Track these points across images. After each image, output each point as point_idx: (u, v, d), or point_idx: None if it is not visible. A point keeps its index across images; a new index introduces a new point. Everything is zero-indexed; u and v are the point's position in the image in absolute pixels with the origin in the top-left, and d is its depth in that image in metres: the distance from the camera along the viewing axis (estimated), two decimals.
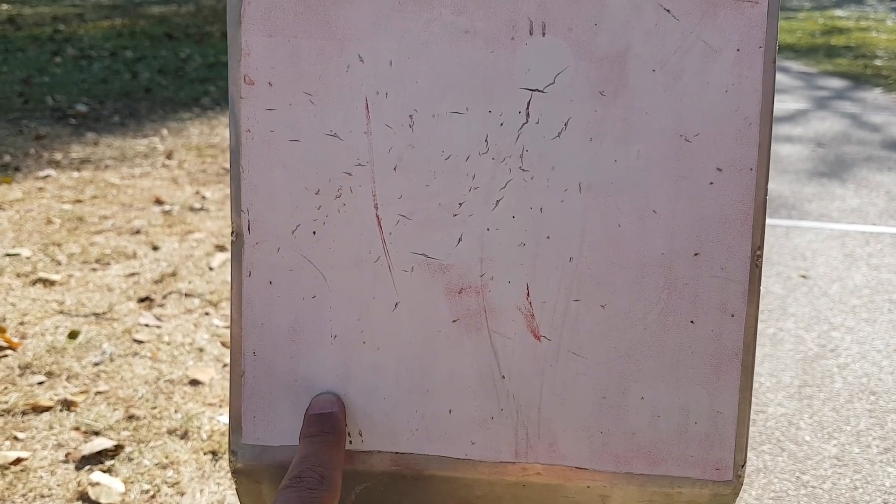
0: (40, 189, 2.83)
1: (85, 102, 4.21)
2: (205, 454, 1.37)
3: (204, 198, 2.81)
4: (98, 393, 1.53)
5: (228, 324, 1.84)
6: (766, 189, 0.37)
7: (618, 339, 0.38)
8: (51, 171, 3.02)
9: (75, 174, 3.02)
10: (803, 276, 2.48)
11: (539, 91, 0.37)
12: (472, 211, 0.38)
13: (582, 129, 0.37)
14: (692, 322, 0.38)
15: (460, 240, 0.38)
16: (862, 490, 1.43)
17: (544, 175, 0.38)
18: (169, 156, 3.34)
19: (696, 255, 0.37)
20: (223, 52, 5.75)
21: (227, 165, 3.28)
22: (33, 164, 3.13)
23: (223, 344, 1.76)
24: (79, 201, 2.71)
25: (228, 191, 2.92)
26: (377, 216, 0.38)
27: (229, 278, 2.08)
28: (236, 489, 0.42)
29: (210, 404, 1.52)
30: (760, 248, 0.38)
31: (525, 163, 0.38)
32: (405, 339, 0.39)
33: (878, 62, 7.52)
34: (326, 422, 0.38)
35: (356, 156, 0.38)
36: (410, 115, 0.38)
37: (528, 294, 0.38)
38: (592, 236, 0.38)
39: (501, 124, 0.37)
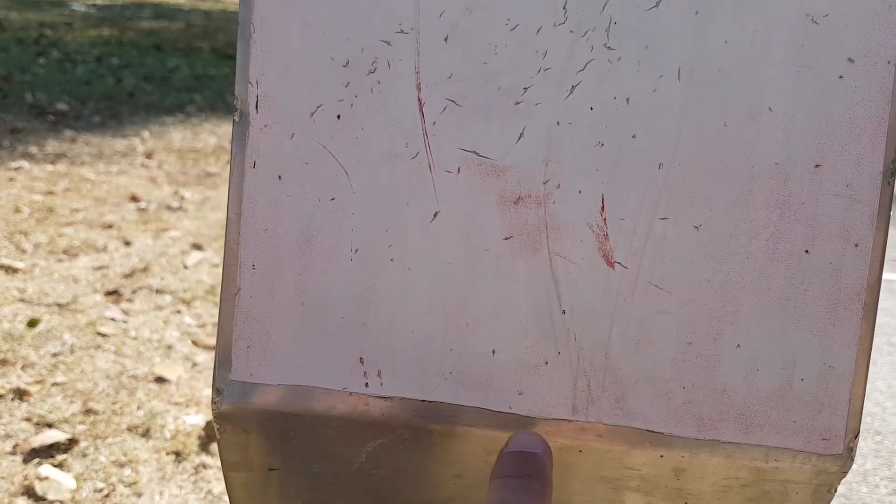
0: (11, 179, 2.71)
1: (66, 102, 4.10)
2: (167, 454, 1.26)
3: (182, 197, 2.71)
4: (55, 384, 1.42)
5: (201, 322, 1.74)
6: None
7: (713, 269, 0.31)
8: (23, 163, 2.91)
9: (49, 167, 2.91)
10: None
11: None
12: (539, 98, 0.30)
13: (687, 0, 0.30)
14: (807, 252, 0.30)
15: (522, 135, 0.31)
16: None
17: (635, 55, 0.30)
18: (149, 156, 3.24)
19: (817, 166, 0.30)
20: (212, 65, 5.68)
21: (209, 169, 3.19)
22: (6, 155, 3.01)
23: (194, 343, 1.66)
24: (51, 193, 2.60)
25: (209, 193, 2.82)
26: (419, 99, 0.31)
27: (205, 277, 1.99)
28: (217, 441, 0.33)
29: (176, 403, 1.41)
30: (895, 161, 0.30)
31: (612, 39, 0.30)
32: (444, 258, 0.31)
33: None
34: (529, 462, 0.30)
35: (398, 20, 0.30)
36: None
37: (602, 208, 0.31)
38: (690, 137, 0.30)
39: None
